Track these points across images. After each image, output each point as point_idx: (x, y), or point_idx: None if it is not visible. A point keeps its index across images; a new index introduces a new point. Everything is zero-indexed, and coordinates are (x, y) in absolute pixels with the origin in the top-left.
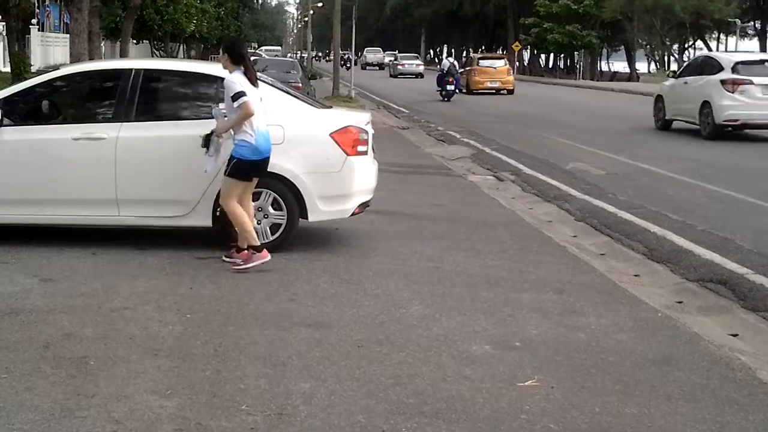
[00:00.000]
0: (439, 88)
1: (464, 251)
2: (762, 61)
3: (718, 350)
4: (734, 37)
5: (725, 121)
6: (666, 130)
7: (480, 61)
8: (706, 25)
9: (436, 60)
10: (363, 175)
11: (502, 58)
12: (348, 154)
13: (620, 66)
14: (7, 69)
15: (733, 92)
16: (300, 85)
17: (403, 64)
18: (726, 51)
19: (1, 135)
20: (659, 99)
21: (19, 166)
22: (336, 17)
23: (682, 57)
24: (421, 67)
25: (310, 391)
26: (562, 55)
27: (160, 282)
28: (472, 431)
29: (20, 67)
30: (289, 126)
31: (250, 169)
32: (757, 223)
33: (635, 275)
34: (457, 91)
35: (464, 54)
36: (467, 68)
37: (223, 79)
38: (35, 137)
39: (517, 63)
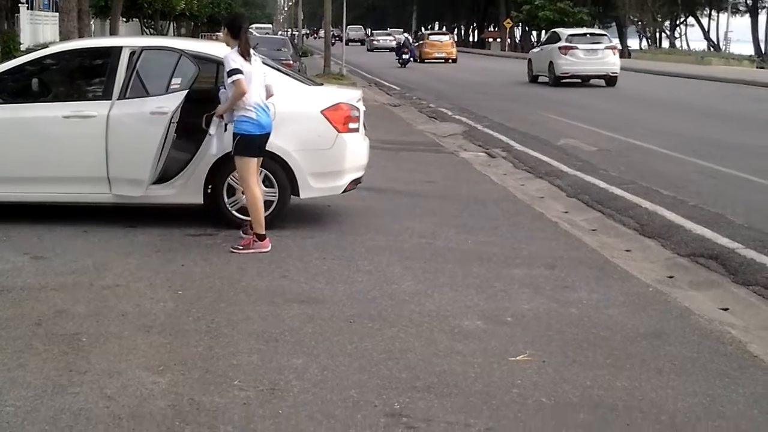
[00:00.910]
0: (397, 57)
1: (456, 227)
2: (585, 34)
3: (709, 324)
4: (726, 13)
5: (561, 74)
6: (534, 82)
7: (430, 36)
8: (697, 1)
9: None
10: (354, 152)
11: (447, 33)
12: (339, 131)
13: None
14: None
15: (565, 55)
16: (291, 62)
17: (378, 40)
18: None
19: None
20: (530, 62)
21: (10, 144)
22: None
23: (674, 33)
24: (394, 42)
25: (303, 367)
26: None
27: (151, 259)
28: (464, 405)
29: (9, 45)
30: (280, 103)
31: (255, 143)
32: (749, 199)
33: (627, 250)
34: (411, 59)
35: (455, 31)
36: (420, 42)
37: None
38: (25, 115)
39: (509, 40)
